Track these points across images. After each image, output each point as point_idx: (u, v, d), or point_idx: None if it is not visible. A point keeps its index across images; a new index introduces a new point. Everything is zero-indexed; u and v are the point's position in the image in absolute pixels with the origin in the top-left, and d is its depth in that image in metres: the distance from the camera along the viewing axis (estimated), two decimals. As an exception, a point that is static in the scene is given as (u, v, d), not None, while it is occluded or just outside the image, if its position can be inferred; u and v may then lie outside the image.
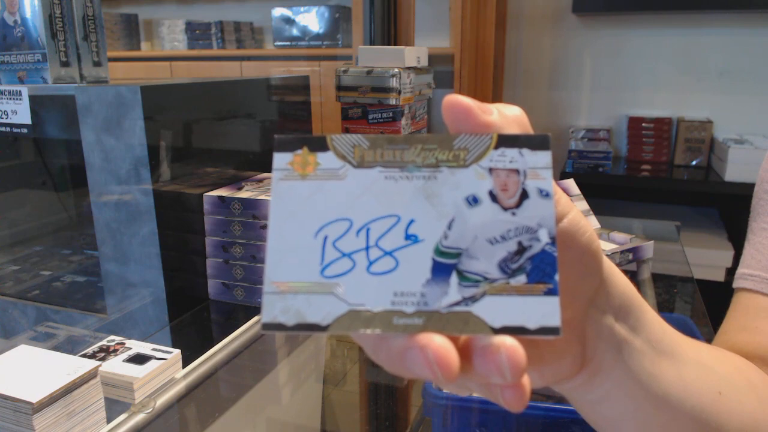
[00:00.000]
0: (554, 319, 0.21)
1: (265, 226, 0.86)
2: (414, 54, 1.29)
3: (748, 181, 1.98)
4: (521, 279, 0.22)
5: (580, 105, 2.50)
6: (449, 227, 0.23)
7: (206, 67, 3.01)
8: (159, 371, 0.66)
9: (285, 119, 1.17)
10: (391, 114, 1.23)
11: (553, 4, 2.43)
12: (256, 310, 0.89)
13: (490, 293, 0.22)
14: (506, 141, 0.23)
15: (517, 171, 0.23)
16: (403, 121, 1.24)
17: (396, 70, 1.20)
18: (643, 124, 2.33)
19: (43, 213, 1.29)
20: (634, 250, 0.99)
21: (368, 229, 0.22)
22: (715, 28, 2.25)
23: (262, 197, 0.86)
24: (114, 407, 0.62)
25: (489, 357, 0.21)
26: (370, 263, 0.22)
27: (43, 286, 1.06)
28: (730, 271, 1.97)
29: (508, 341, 0.21)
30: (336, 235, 0.22)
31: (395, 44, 1.66)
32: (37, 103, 0.91)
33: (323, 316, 0.21)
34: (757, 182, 0.52)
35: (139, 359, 0.67)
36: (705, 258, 1.96)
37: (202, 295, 0.92)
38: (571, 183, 1.01)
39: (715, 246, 2.01)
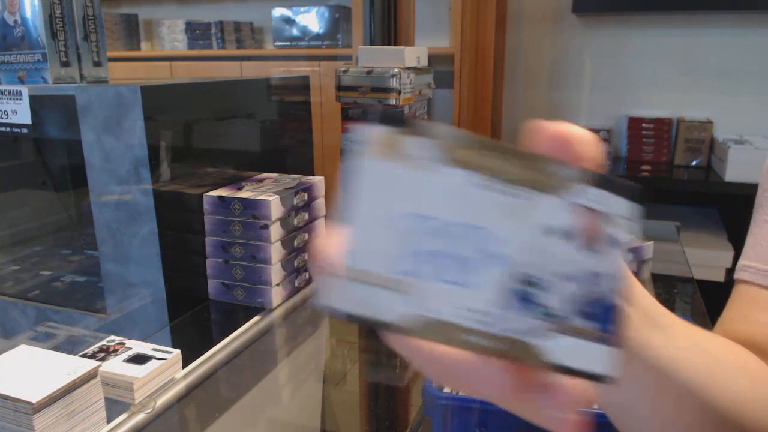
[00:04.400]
0: (611, 369, 0.22)
1: (265, 226, 0.86)
2: (414, 54, 1.29)
3: (748, 181, 1.98)
4: (585, 322, 0.22)
5: (580, 105, 2.50)
6: (526, 253, 0.22)
7: (206, 67, 3.01)
8: (159, 371, 0.66)
9: (285, 119, 1.17)
10: (391, 114, 1.23)
11: (553, 4, 2.43)
12: (256, 310, 0.89)
13: (554, 329, 0.22)
14: (598, 180, 0.22)
15: (600, 213, 0.22)
16: (403, 121, 1.24)
17: (396, 70, 1.20)
18: (643, 125, 2.32)
19: (43, 213, 1.29)
20: (634, 250, 0.99)
21: (449, 234, 0.21)
22: (715, 28, 2.25)
23: (262, 197, 0.86)
24: (114, 407, 0.62)
25: (547, 392, 0.22)
26: (445, 270, 0.21)
27: (43, 286, 1.06)
28: (730, 272, 1.97)
29: (566, 381, 0.21)
30: (416, 232, 0.21)
31: (395, 44, 1.66)
32: (37, 103, 0.91)
33: (389, 314, 0.20)
34: (762, 174, 0.53)
35: (139, 359, 0.67)
36: (705, 258, 1.96)
37: (202, 295, 0.92)
38: (571, 183, 1.01)
39: (715, 246, 2.01)
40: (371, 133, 0.20)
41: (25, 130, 0.92)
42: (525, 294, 0.22)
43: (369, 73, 1.21)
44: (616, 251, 0.22)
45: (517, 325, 0.21)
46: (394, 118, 0.20)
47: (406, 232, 0.20)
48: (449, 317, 0.20)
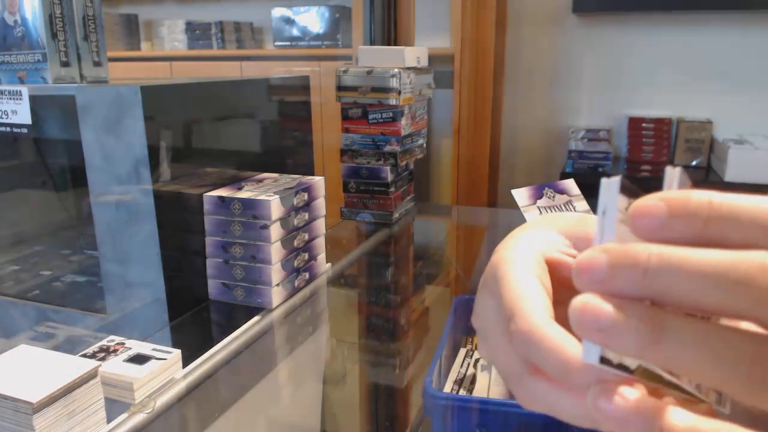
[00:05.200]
0: None
1: (265, 226, 0.86)
2: (414, 54, 1.29)
3: (748, 181, 1.98)
4: None
5: (580, 105, 2.50)
6: None
7: (206, 67, 3.01)
8: (159, 371, 0.66)
9: (285, 119, 1.17)
10: (391, 114, 1.23)
11: (553, 4, 2.43)
12: (256, 310, 0.89)
13: None
14: None
15: None
16: (403, 121, 1.24)
17: (396, 70, 1.20)
18: (643, 124, 2.33)
19: (43, 213, 1.29)
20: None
21: None
22: (715, 28, 2.25)
23: (262, 197, 0.86)
24: (114, 407, 0.62)
25: None
26: None
27: (43, 286, 1.06)
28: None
29: None
30: None
31: (395, 44, 1.66)
32: (37, 103, 0.91)
33: (631, 361, 0.22)
34: None
35: (139, 359, 0.67)
36: (705, 258, 1.95)
37: (202, 295, 0.92)
38: (571, 183, 1.01)
39: (715, 246, 2.01)
40: (621, 202, 0.23)
41: (25, 130, 0.92)
42: None
43: (369, 73, 1.21)
44: None
45: None
46: (636, 192, 0.24)
47: None
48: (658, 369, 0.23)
